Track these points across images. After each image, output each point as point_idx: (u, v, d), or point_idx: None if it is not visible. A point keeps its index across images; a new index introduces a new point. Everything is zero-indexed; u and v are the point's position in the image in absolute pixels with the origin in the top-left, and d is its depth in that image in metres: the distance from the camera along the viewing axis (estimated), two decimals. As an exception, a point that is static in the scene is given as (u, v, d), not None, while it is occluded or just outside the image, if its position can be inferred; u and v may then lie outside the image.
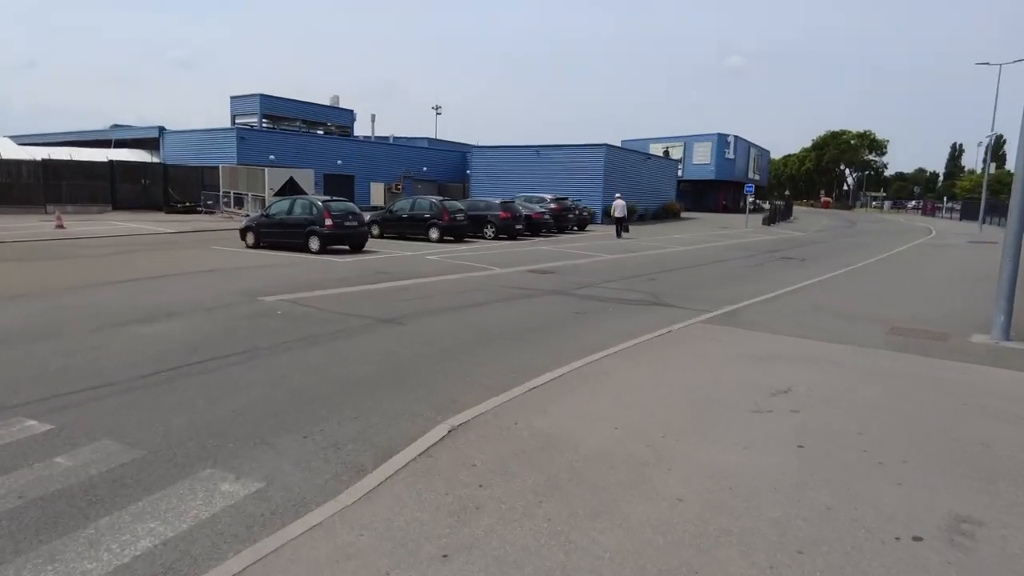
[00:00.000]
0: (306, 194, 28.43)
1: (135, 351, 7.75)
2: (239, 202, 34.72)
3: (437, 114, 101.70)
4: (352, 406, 5.96)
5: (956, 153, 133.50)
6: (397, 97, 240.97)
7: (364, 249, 20.36)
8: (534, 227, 28.51)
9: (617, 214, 30.00)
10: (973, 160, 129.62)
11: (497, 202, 27.23)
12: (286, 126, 48.60)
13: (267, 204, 25.24)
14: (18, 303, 10.64)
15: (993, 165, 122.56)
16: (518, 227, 26.93)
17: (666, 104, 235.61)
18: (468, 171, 49.26)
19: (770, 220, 48.31)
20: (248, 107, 47.07)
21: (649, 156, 51.46)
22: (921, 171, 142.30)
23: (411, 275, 14.99)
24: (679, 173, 61.61)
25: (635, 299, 12.50)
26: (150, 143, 44.06)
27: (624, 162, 44.45)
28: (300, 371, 7.07)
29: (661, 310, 11.38)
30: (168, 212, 34.99)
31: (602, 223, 39.07)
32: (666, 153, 64.71)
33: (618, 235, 29.56)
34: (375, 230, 24.47)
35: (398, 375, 6.95)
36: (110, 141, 45.00)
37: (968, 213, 61.75)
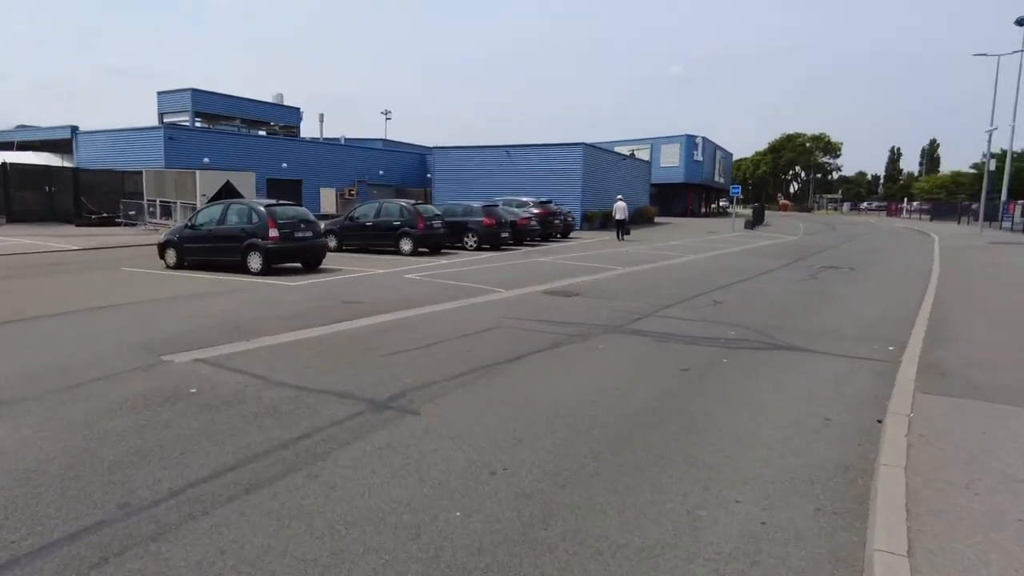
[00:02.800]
0: (244, 198, 23.66)
1: None
2: (167, 212, 29.64)
3: (387, 119, 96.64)
4: None
5: (895, 156, 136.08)
6: (344, 103, 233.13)
7: (321, 267, 15.92)
8: (518, 235, 24.47)
9: (618, 216, 26.42)
10: (912, 163, 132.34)
11: (476, 206, 23.05)
12: (223, 125, 43.31)
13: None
14: None
15: (900, 170, 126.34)
16: (503, 235, 22.80)
17: (614, 109, 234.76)
18: (429, 175, 44.91)
19: (752, 224, 45.63)
20: (178, 104, 41.62)
21: (624, 157, 48.14)
22: (862, 174, 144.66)
23: (394, 305, 10.71)
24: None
25: (735, 338, 8.56)
26: (62, 145, 38.21)
27: (601, 163, 40.88)
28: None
29: (801, 360, 7.46)
30: (79, 224, 29.52)
31: (582, 228, 35.41)
32: (632, 155, 61.55)
33: (619, 238, 25.99)
34: (332, 242, 19.99)
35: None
36: (12, 143, 38.90)
37: (940, 213, 60.59)
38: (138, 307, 10.50)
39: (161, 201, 29.86)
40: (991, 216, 41.14)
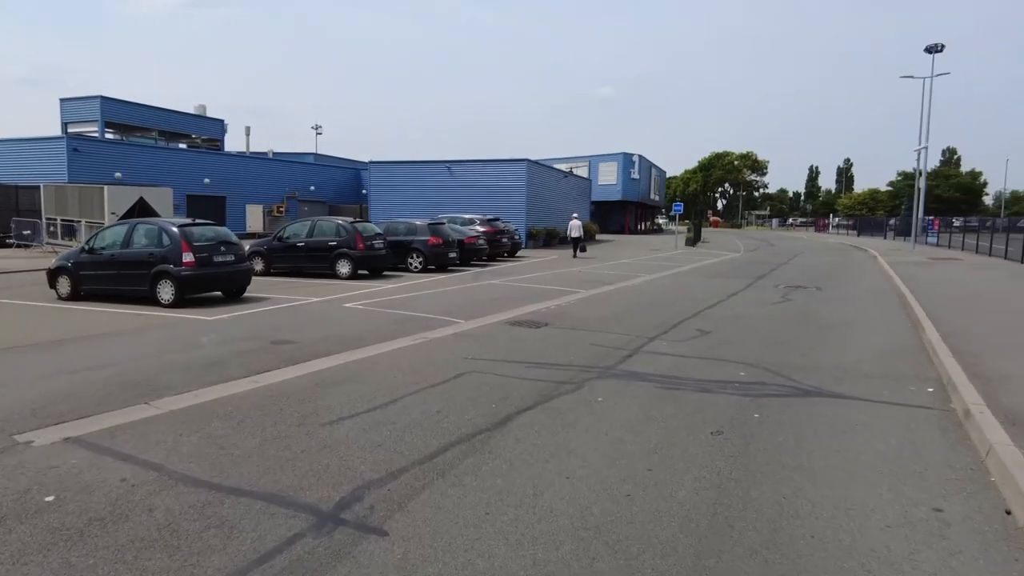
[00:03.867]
0: (158, 216, 21.22)
1: None
2: (70, 231, 26.61)
3: (318, 134, 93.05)
4: None
5: (813, 175, 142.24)
6: (271, 117, 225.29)
7: (245, 295, 13.89)
8: (465, 255, 22.91)
9: (573, 234, 25.64)
10: (828, 181, 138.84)
11: (421, 224, 21.35)
12: (139, 137, 39.99)
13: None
14: None
15: (815, 190, 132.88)
16: (451, 255, 21.17)
17: (545, 127, 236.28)
18: (364, 191, 42.82)
19: (693, 242, 45.61)
20: (86, 113, 38.10)
21: (566, 174, 47.39)
22: (784, 191, 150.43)
23: (334, 345, 8.93)
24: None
25: (749, 381, 7.25)
26: (-53, 157, 34.13)
27: (544, 180, 39.87)
28: None
29: (842, 412, 6.18)
30: (-38, 246, 26.13)
31: (526, 246, 34.19)
32: (571, 172, 61.03)
33: (574, 255, 25.15)
34: (258, 265, 17.91)
35: None
36: None
37: (865, 228, 62.95)
38: (12, 354, 8.34)
39: (63, 220, 26.82)
40: (906, 231, 42.59)
